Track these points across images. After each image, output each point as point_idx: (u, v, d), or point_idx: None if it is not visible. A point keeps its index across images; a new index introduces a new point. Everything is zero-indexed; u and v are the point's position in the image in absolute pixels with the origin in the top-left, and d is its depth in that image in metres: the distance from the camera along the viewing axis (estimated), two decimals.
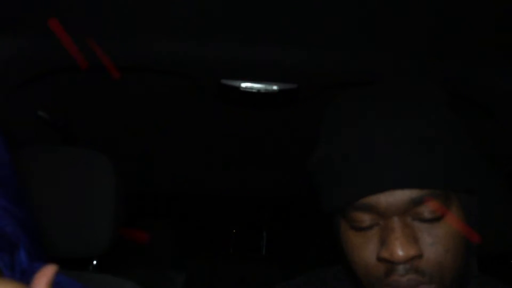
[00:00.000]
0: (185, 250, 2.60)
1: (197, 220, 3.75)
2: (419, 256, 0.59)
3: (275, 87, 1.09)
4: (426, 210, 0.60)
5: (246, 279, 3.12)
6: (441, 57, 0.99)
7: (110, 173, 0.98)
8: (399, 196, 0.60)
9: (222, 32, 0.93)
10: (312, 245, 2.24)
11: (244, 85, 1.08)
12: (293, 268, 2.97)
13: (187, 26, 0.91)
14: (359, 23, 0.88)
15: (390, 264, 0.60)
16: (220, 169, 1.82)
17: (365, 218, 0.62)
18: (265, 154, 1.66)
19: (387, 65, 1.01)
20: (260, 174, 1.86)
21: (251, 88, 1.09)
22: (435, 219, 0.61)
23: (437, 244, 0.60)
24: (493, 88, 1.05)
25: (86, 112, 1.34)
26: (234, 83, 1.08)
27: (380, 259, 0.60)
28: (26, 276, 0.49)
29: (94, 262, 1.08)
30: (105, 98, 1.27)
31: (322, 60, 1.01)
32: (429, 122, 0.62)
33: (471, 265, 0.67)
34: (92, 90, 1.22)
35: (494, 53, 0.96)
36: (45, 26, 0.93)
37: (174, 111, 1.34)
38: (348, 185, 0.63)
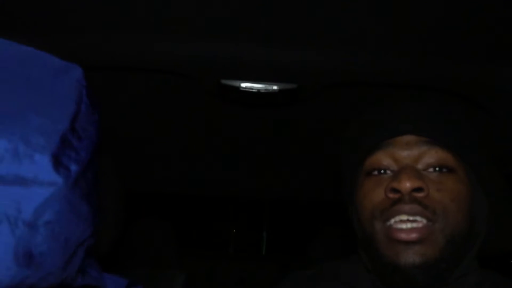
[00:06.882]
0: (185, 250, 2.60)
1: (197, 220, 3.75)
2: (425, 190, 0.66)
3: (275, 87, 1.09)
4: (437, 156, 0.69)
5: (246, 279, 3.12)
6: (441, 57, 0.99)
7: (110, 173, 0.98)
8: (414, 140, 0.70)
9: (222, 32, 0.93)
10: (312, 245, 2.24)
11: (244, 85, 1.08)
12: (293, 268, 2.97)
13: (187, 26, 0.91)
14: (359, 23, 0.88)
15: (397, 195, 0.66)
16: (220, 169, 1.82)
17: (383, 161, 0.71)
18: (265, 154, 1.66)
19: (386, 65, 1.01)
20: (260, 174, 1.86)
21: (251, 88, 1.09)
22: (444, 171, 0.68)
23: (443, 191, 0.67)
24: (493, 88, 1.05)
25: None
26: (234, 83, 1.08)
27: (388, 190, 0.67)
28: None
29: None
30: (105, 98, 1.27)
31: (322, 60, 1.01)
32: (450, 106, 0.75)
33: (471, 250, 0.70)
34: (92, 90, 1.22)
35: (494, 53, 0.96)
36: (46, 26, 0.93)
37: (174, 111, 1.34)
38: (375, 131, 0.73)
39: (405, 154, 0.70)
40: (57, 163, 0.41)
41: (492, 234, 0.72)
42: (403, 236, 0.64)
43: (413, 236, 0.63)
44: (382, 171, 0.72)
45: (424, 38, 0.93)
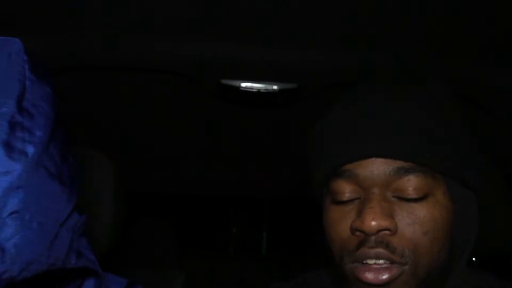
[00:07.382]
0: (185, 250, 2.60)
1: (197, 220, 3.75)
2: (392, 230, 0.58)
3: (275, 87, 1.09)
4: (409, 185, 0.59)
5: (246, 279, 3.12)
6: (441, 57, 0.99)
7: (109, 172, 0.98)
8: (381, 166, 0.59)
9: (222, 32, 0.93)
10: (312, 245, 2.24)
11: (244, 85, 1.08)
12: (293, 268, 2.97)
13: (187, 26, 0.91)
14: (359, 23, 0.88)
15: (363, 235, 0.59)
16: (220, 169, 1.82)
17: (347, 189, 0.62)
18: (265, 154, 1.66)
19: (387, 65, 1.01)
20: (260, 174, 1.86)
21: (251, 88, 1.09)
22: (417, 199, 0.59)
23: (415, 224, 0.58)
24: (493, 88, 1.05)
25: (85, 112, 1.34)
26: (234, 83, 1.08)
27: (352, 229, 0.60)
28: None
29: None
30: (105, 98, 1.27)
31: (322, 60, 1.01)
32: (423, 105, 0.62)
33: (457, 266, 0.64)
34: (92, 90, 1.22)
35: (494, 53, 0.96)
36: (46, 26, 0.93)
37: (174, 111, 1.34)
38: (332, 152, 0.63)
39: (371, 182, 0.60)
40: (10, 149, 0.39)
41: (491, 233, 0.70)
42: (370, 277, 0.58)
43: (382, 278, 0.58)
44: (347, 199, 0.63)
45: (424, 38, 0.93)
